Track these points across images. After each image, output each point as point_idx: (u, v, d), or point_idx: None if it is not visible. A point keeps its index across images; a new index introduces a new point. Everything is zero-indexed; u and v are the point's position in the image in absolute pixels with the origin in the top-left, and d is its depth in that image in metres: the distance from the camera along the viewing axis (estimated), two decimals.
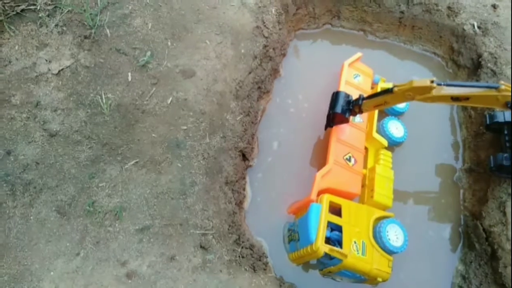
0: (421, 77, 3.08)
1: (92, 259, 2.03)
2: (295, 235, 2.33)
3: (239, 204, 2.50)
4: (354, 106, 2.43)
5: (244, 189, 2.60)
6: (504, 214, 2.24)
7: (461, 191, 2.63)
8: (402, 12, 3.08)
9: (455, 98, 2.03)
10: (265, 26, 2.89)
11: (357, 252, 2.15)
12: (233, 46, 2.74)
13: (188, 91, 2.53)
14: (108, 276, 1.99)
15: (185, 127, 2.42)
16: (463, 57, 2.96)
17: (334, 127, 2.60)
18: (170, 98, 2.49)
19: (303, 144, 2.85)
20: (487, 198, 2.38)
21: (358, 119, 2.67)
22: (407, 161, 2.75)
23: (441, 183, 2.68)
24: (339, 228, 2.23)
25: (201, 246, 2.12)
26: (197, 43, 2.70)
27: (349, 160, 2.53)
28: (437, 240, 2.48)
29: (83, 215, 2.14)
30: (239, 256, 2.20)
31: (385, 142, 2.68)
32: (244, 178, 2.64)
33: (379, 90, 2.82)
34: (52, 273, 1.99)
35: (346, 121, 2.51)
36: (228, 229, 2.27)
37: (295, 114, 2.97)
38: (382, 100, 2.26)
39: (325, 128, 2.63)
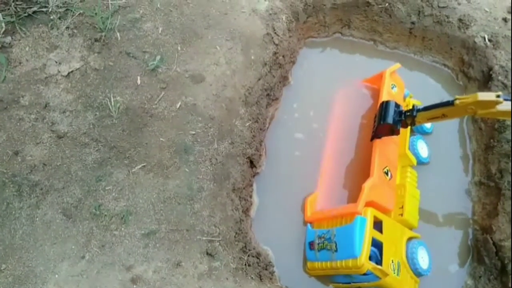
0: (430, 88, 3.08)
1: (97, 262, 2.01)
2: (331, 245, 2.20)
3: (246, 211, 2.48)
4: (406, 117, 2.30)
5: (251, 197, 2.58)
6: None
7: (471, 204, 2.60)
8: (413, 23, 3.08)
9: None
10: (275, 33, 2.89)
11: (393, 271, 2.09)
12: (243, 53, 2.74)
13: (197, 96, 2.52)
14: (113, 281, 1.96)
15: (193, 132, 2.41)
16: (474, 69, 2.95)
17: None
18: (179, 103, 2.49)
19: (312, 152, 2.82)
20: (497, 212, 2.35)
21: None
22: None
23: (450, 196, 2.64)
24: (374, 244, 2.14)
25: (207, 253, 2.09)
26: (207, 49, 2.69)
27: (387, 173, 2.39)
28: (446, 255, 2.43)
29: (89, 218, 2.12)
30: (245, 264, 2.17)
31: (415, 160, 2.59)
32: (251, 185, 2.62)
33: (410, 105, 2.70)
34: (56, 275, 1.97)
35: (396, 132, 2.37)
36: (235, 236, 2.24)
37: (303, 122, 2.96)
38: (440, 113, 2.13)
39: (371, 139, 2.48)
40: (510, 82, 2.64)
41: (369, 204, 2.23)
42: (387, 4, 3.07)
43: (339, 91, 3.00)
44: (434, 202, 2.59)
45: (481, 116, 2.03)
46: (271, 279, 2.23)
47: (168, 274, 2.00)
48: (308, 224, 2.47)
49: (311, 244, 2.36)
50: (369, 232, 2.10)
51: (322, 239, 2.28)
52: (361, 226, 2.11)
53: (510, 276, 2.14)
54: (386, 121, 2.31)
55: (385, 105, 2.39)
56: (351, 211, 2.20)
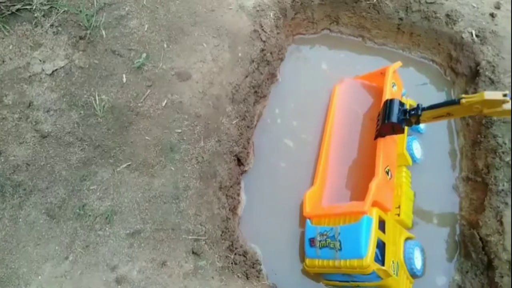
0: (419, 83, 3.07)
1: (81, 263, 1.99)
2: (334, 243, 2.17)
3: (233, 209, 2.46)
4: (411, 116, 2.26)
5: (238, 195, 2.56)
6: (501, 223, 2.21)
7: (458, 199, 2.60)
8: (400, 19, 3.07)
9: None
10: (262, 30, 2.87)
11: (393, 272, 2.09)
12: (230, 50, 2.71)
13: (183, 94, 2.50)
14: (97, 281, 1.95)
15: (179, 130, 2.39)
16: (461, 65, 2.94)
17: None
18: (165, 101, 2.46)
19: (300, 150, 2.82)
20: (484, 207, 2.35)
21: None
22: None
23: (438, 192, 2.64)
24: (377, 244, 2.11)
25: (193, 252, 2.08)
26: (193, 46, 2.67)
27: (388, 173, 2.35)
28: (433, 250, 2.43)
29: (73, 218, 2.10)
30: (231, 263, 2.16)
31: (411, 161, 2.58)
32: (238, 183, 2.61)
33: (407, 104, 2.56)
34: (40, 277, 1.95)
35: (401, 131, 2.34)
36: (221, 235, 2.23)
37: (292, 119, 2.95)
38: (445, 112, 2.11)
39: (375, 138, 2.43)
40: (496, 78, 2.64)
41: (372, 203, 2.20)
42: (375, 0, 3.05)
43: (337, 86, 2.98)
44: (422, 198, 2.58)
45: (487, 115, 2.01)
46: (258, 277, 2.22)
47: (153, 274, 1.98)
48: (307, 220, 2.39)
49: (311, 241, 2.30)
50: (375, 232, 2.09)
51: (325, 237, 2.23)
52: (368, 226, 2.08)
53: (496, 271, 2.15)
54: (391, 119, 2.28)
55: (389, 103, 2.35)
56: (357, 210, 2.16)
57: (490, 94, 1.93)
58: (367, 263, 2.00)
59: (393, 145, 2.50)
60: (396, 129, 2.33)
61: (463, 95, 2.03)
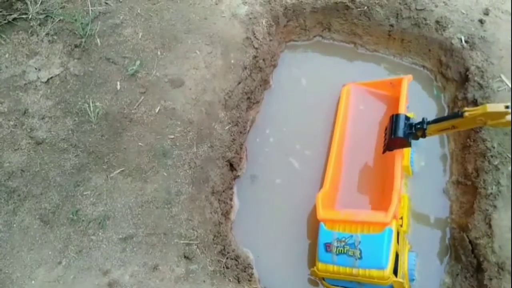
0: (410, 90, 3.11)
1: (74, 268, 2.02)
2: (353, 251, 2.14)
3: (226, 214, 2.49)
4: (417, 130, 2.29)
5: (231, 199, 2.59)
6: (490, 226, 2.23)
7: (449, 203, 2.63)
8: (391, 26, 3.11)
9: None
10: (255, 37, 2.91)
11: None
12: (222, 57, 2.76)
13: (176, 100, 2.54)
14: (89, 285, 1.97)
15: (172, 136, 2.42)
16: (451, 70, 2.98)
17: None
18: (158, 107, 2.50)
19: (292, 156, 2.85)
20: (473, 211, 2.38)
21: None
22: None
23: (430, 195, 2.67)
24: None
25: (184, 256, 2.11)
26: (186, 53, 2.72)
27: None
28: (424, 252, 2.46)
29: (67, 223, 2.13)
30: (223, 267, 2.18)
31: (411, 173, 2.63)
32: (231, 188, 2.64)
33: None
34: (33, 281, 1.97)
35: (408, 145, 2.37)
36: (213, 239, 2.25)
37: (284, 125, 2.98)
38: (449, 125, 2.15)
39: (383, 152, 2.47)
40: (485, 83, 2.68)
41: None
42: (366, 7, 3.10)
43: (346, 89, 2.98)
44: (413, 202, 2.61)
45: (492, 126, 2.05)
46: (249, 281, 2.24)
47: (145, 278, 2.01)
48: (321, 223, 2.32)
49: (327, 246, 2.25)
50: (394, 244, 2.11)
51: (343, 243, 2.20)
52: (389, 237, 2.11)
53: (485, 273, 2.17)
54: (397, 134, 2.31)
55: (395, 118, 2.38)
56: (380, 221, 2.16)
57: (492, 107, 1.97)
58: (388, 274, 2.03)
59: (400, 157, 2.52)
60: (403, 144, 2.37)
61: (466, 108, 2.06)
